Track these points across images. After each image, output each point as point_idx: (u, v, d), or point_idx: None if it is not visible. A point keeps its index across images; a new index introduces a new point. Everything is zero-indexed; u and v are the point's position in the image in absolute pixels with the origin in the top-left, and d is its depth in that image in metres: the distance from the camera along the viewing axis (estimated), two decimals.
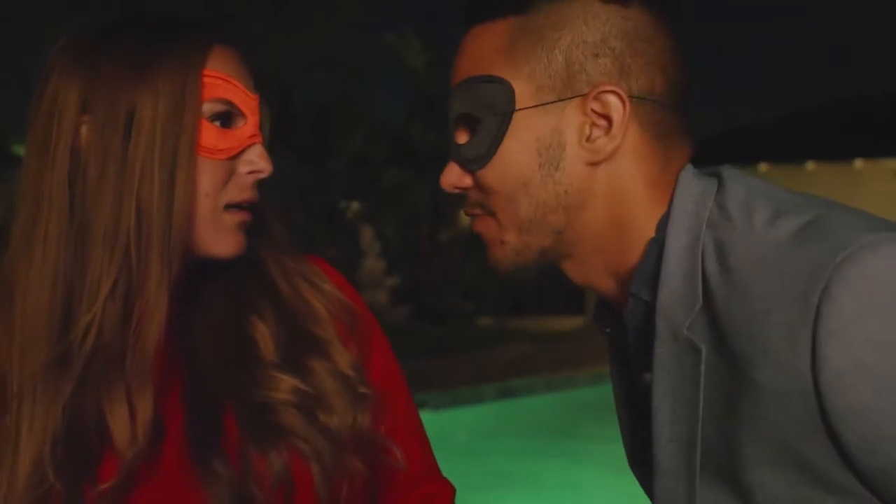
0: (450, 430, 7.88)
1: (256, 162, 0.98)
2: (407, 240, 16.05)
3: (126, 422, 0.91)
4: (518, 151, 0.91)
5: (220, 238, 0.97)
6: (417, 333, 12.83)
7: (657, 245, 0.90)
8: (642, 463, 1.03)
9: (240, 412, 0.98)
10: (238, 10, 11.42)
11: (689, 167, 0.93)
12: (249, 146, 0.98)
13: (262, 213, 1.03)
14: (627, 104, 0.89)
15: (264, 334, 1.02)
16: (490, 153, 0.92)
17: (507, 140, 0.91)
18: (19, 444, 0.90)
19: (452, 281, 15.76)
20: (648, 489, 1.02)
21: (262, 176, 0.99)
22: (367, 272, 15.12)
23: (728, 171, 0.91)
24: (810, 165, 14.89)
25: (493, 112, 0.92)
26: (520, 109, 0.91)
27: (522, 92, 0.91)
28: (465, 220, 17.08)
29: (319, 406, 1.00)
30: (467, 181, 0.95)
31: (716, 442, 0.85)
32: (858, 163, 15.15)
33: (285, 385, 0.99)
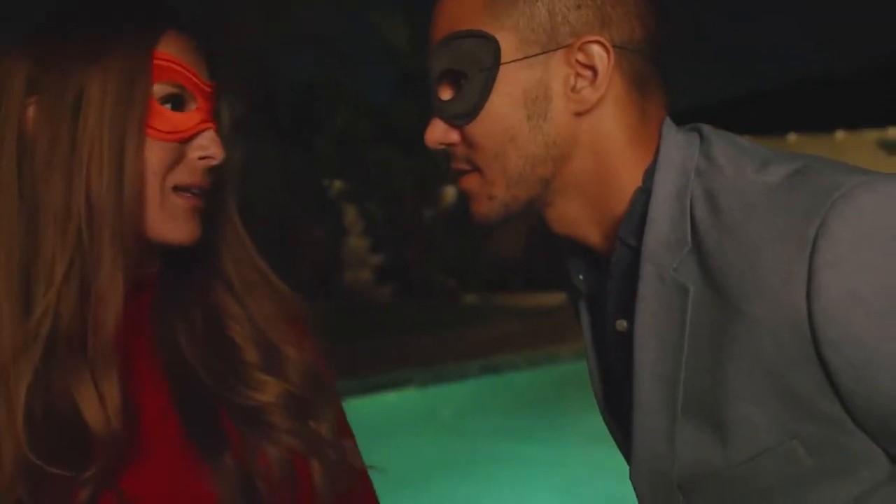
0: (434, 406, 7.90)
1: (208, 147, 0.97)
2: (391, 218, 16.03)
3: (95, 403, 0.90)
4: (505, 105, 0.92)
5: (170, 222, 0.96)
6: (402, 311, 12.86)
7: (644, 194, 0.92)
8: (613, 408, 1.06)
9: (232, 412, 0.98)
10: None
11: (669, 120, 0.95)
12: (201, 131, 0.97)
13: (220, 203, 1.03)
14: (612, 54, 0.90)
15: (243, 337, 1.03)
16: (477, 108, 0.93)
17: (494, 94, 0.92)
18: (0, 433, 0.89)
19: (437, 258, 15.77)
20: (620, 433, 1.05)
21: (214, 162, 0.98)
22: (350, 250, 15.11)
23: (708, 127, 0.93)
24: (792, 137, 14.97)
25: (478, 67, 0.92)
26: (505, 63, 0.92)
27: (507, 46, 0.92)
28: (449, 197, 17.07)
29: (302, 407, 1.01)
30: (453, 137, 0.96)
31: (699, 379, 0.88)
32: (840, 134, 15.24)
33: (272, 388, 1.00)
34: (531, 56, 0.92)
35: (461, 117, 0.94)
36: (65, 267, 0.91)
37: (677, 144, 0.92)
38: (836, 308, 0.78)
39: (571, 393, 8.78)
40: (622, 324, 0.96)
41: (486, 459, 6.17)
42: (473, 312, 13.08)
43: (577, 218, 0.97)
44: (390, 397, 7.59)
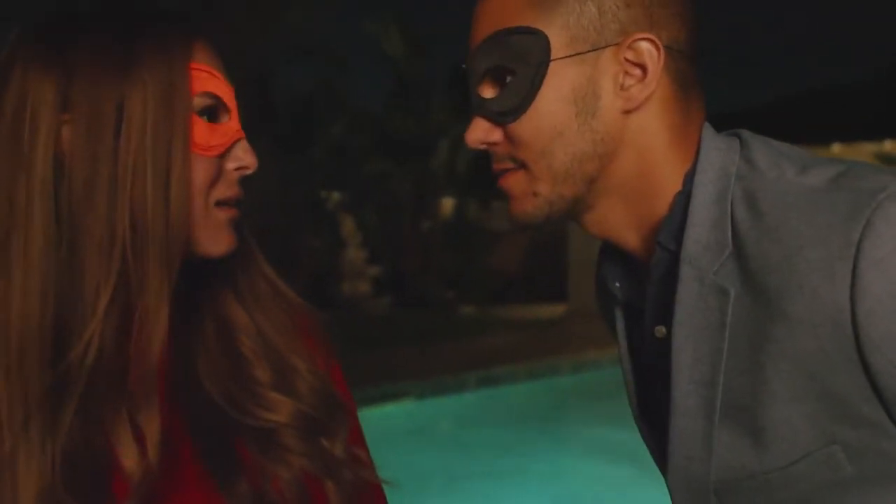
0: (432, 419, 7.89)
1: (243, 158, 0.94)
2: (388, 229, 16.03)
3: (132, 443, 0.85)
4: (554, 101, 0.92)
5: (213, 236, 0.92)
6: (399, 323, 12.83)
7: (684, 197, 0.92)
8: (649, 416, 1.05)
9: (245, 433, 0.95)
10: None
11: (709, 125, 0.95)
12: (236, 141, 0.94)
13: (242, 212, 1.00)
14: (662, 52, 0.91)
15: (254, 352, 0.99)
16: (525, 105, 0.92)
17: (543, 90, 0.92)
18: (17, 477, 0.83)
19: (434, 270, 15.76)
20: (654, 441, 1.05)
21: (249, 172, 0.95)
22: (348, 262, 15.09)
23: (747, 132, 0.94)
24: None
25: (526, 63, 0.92)
26: (555, 59, 0.91)
27: (556, 42, 0.92)
28: (446, 208, 17.08)
29: (315, 426, 0.98)
30: (496, 136, 0.95)
31: (738, 382, 0.87)
32: (836, 147, 15.32)
33: (285, 408, 0.97)
34: (581, 53, 0.91)
35: (507, 114, 0.93)
36: (109, 294, 0.85)
37: (718, 148, 0.92)
38: (880, 309, 0.78)
39: (570, 405, 8.77)
40: (661, 330, 0.96)
41: (484, 471, 6.15)
42: (471, 324, 13.06)
43: (616, 221, 0.97)
44: (388, 409, 7.57)
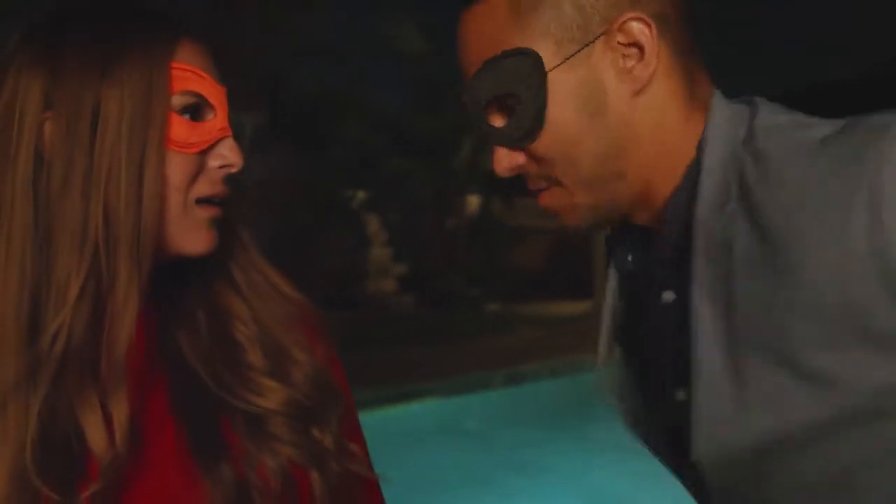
0: (457, 417, 7.89)
1: (227, 156, 0.96)
2: (413, 227, 16.04)
3: (100, 427, 0.88)
4: (563, 112, 0.91)
5: (191, 235, 0.94)
6: (424, 321, 12.83)
7: (696, 166, 0.92)
8: (652, 396, 1.03)
9: (234, 418, 0.97)
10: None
11: (719, 93, 0.95)
12: (220, 140, 0.96)
13: (230, 209, 1.01)
14: (653, 25, 0.90)
15: (248, 338, 1.01)
16: (537, 125, 0.91)
17: (549, 106, 0.91)
18: None
19: (459, 267, 15.76)
20: (644, 413, 1.04)
21: (233, 170, 0.96)
22: (374, 261, 15.12)
23: (760, 98, 0.93)
24: None
25: (525, 85, 0.91)
26: (551, 71, 0.90)
27: (546, 53, 0.90)
28: (471, 206, 17.07)
29: (306, 415, 0.99)
30: (520, 158, 0.95)
31: (763, 339, 0.85)
32: None
33: (277, 394, 0.98)
34: (572, 56, 0.90)
35: (523, 138, 0.92)
36: (79, 287, 0.89)
37: (726, 116, 0.92)
38: None
39: (596, 402, 8.73)
40: (669, 295, 0.95)
41: (509, 469, 6.14)
42: (496, 321, 13.05)
43: (636, 202, 0.96)
44: (413, 407, 7.58)
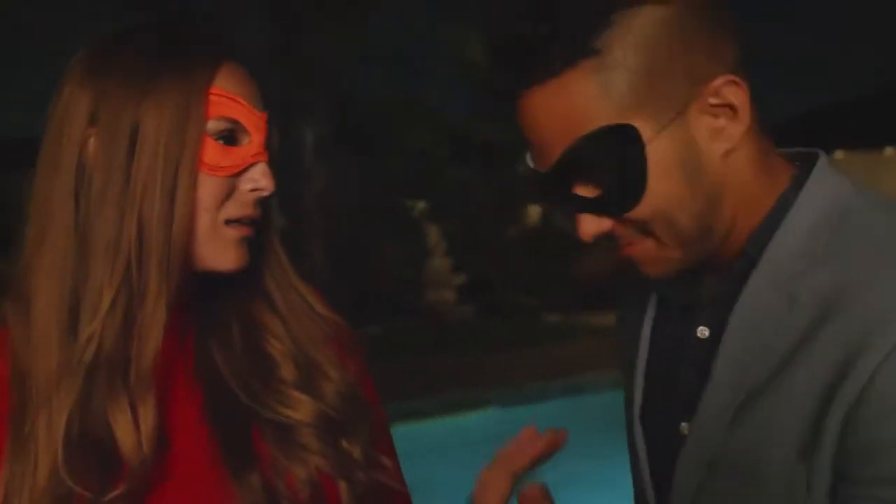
0: (515, 427, 7.84)
1: (259, 180, 0.99)
2: (473, 237, 16.03)
3: (130, 430, 0.93)
4: (663, 179, 0.90)
5: (219, 252, 0.98)
6: (483, 330, 12.82)
7: (781, 211, 0.93)
8: (649, 419, 1.07)
9: (264, 428, 1.00)
10: (305, 8, 11.51)
11: (824, 155, 0.96)
12: (253, 164, 0.99)
13: (267, 229, 1.05)
14: (743, 85, 0.90)
15: (281, 353, 1.05)
16: (637, 196, 0.90)
17: (651, 175, 0.89)
18: (38, 448, 0.93)
19: (519, 277, 15.71)
20: (650, 443, 1.08)
21: (264, 194, 1.00)
22: (433, 271, 15.14)
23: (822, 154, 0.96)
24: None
25: (625, 158, 0.89)
26: (649, 143, 0.89)
27: (642, 125, 0.88)
28: (532, 215, 17.02)
29: (335, 427, 1.03)
30: (608, 224, 0.94)
31: (760, 389, 0.90)
32: (889, 150, 15.10)
33: (307, 407, 1.02)
34: (669, 124, 0.89)
35: (620, 209, 0.92)
36: (112, 297, 0.94)
37: (831, 176, 0.93)
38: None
39: None
40: (704, 331, 0.98)
41: (567, 480, 6.09)
42: (555, 332, 12.98)
43: (716, 247, 0.97)
44: (471, 417, 7.57)
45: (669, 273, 0.96)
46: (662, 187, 0.90)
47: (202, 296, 1.03)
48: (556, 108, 0.90)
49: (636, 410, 1.09)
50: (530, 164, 0.97)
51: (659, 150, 0.89)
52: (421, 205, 15.92)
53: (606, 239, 0.96)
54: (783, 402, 0.87)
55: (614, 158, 0.89)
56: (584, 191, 0.93)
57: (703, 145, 0.90)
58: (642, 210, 0.91)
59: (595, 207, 0.93)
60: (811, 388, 0.85)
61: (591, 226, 0.94)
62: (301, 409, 1.02)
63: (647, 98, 0.88)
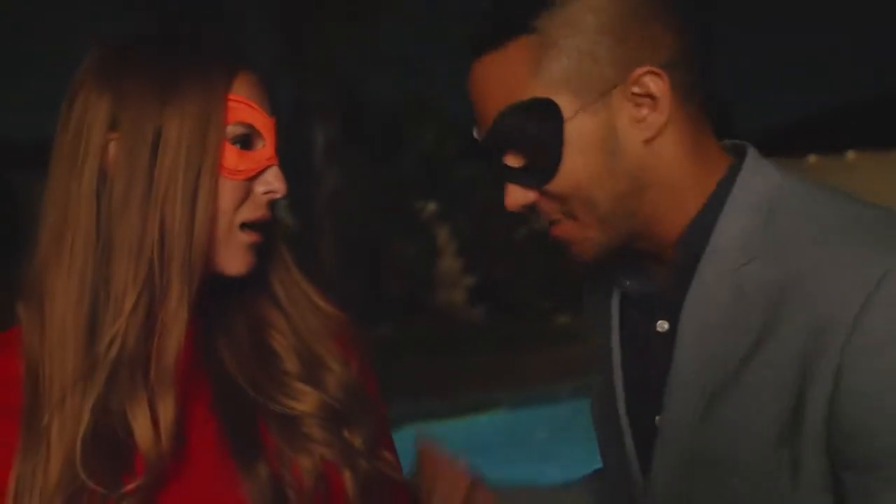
0: (525, 428, 7.87)
1: (272, 182, 1.02)
2: (483, 237, 16.03)
3: (148, 426, 0.95)
4: (581, 156, 0.95)
5: (232, 257, 1.01)
6: (494, 331, 12.82)
7: (717, 203, 0.96)
8: (636, 409, 1.09)
9: (270, 420, 1.03)
10: (315, 8, 11.53)
11: (753, 149, 0.99)
12: (267, 167, 1.02)
13: (272, 231, 1.08)
14: (665, 78, 0.94)
15: (285, 347, 1.08)
16: (555, 167, 0.95)
17: (567, 150, 0.94)
18: (51, 445, 0.94)
19: (529, 278, 15.71)
20: (607, 428, 1.14)
21: (277, 196, 1.03)
22: (444, 271, 15.15)
23: (780, 164, 0.98)
24: (851, 155, 14.98)
25: (544, 131, 0.95)
26: (568, 120, 0.94)
27: (564, 102, 0.94)
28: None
29: (338, 417, 1.05)
30: (532, 197, 0.99)
31: (722, 378, 0.93)
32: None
33: (311, 398, 1.05)
34: (590, 105, 0.94)
35: (540, 180, 0.97)
36: (135, 297, 0.96)
37: (762, 166, 0.97)
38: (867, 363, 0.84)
39: None
40: (663, 324, 1.01)
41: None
42: (566, 333, 12.97)
43: (650, 236, 1.01)
44: (481, 418, 7.58)
45: (594, 255, 1.00)
46: (579, 163, 0.95)
47: (209, 294, 1.05)
48: (493, 78, 0.98)
49: (621, 405, 1.11)
50: (475, 134, 1.04)
51: (577, 128, 0.94)
52: (431, 205, 15.93)
53: (531, 212, 1.01)
54: (752, 394, 0.90)
55: (535, 130, 0.95)
56: (512, 161, 0.99)
57: (623, 130, 0.95)
58: (560, 183, 0.96)
59: (519, 178, 0.98)
60: (781, 378, 0.88)
61: (516, 196, 1.00)
62: (305, 401, 1.04)
63: (574, 78, 0.94)
